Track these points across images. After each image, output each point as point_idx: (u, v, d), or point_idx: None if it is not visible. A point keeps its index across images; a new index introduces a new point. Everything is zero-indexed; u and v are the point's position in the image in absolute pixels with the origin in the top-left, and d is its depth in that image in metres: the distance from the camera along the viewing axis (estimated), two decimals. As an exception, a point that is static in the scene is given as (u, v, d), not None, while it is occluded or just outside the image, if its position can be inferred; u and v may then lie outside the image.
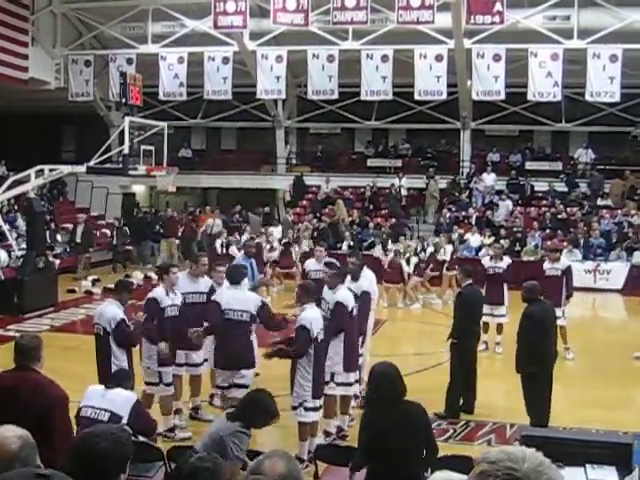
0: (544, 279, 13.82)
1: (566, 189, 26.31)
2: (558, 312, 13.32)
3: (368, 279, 10.90)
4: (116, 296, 8.80)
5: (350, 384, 9.35)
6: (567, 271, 14.14)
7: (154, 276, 22.58)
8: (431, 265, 19.90)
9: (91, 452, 3.09)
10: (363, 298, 10.15)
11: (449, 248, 20.71)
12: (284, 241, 21.92)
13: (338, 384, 9.17)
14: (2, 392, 5.44)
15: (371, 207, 27.27)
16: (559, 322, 13.28)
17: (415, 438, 5.85)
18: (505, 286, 14.25)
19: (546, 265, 14.39)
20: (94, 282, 21.42)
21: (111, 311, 8.63)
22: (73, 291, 20.48)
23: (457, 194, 26.59)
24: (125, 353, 8.52)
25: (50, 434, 4.87)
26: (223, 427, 6.29)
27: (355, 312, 9.34)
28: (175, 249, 25.21)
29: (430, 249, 20.66)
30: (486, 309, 13.45)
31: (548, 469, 2.13)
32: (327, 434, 9.18)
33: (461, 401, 10.35)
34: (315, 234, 24.47)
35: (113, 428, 3.31)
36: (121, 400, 6.68)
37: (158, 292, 9.42)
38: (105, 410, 6.59)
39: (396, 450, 5.72)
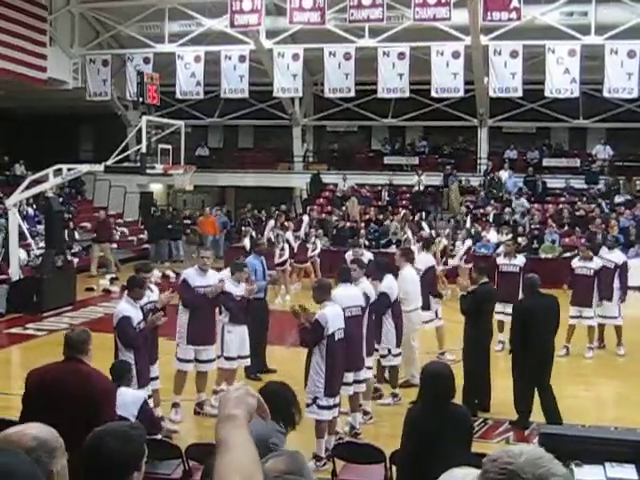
0: (573, 276, 13.79)
1: (584, 186, 26.21)
2: (589, 312, 13.37)
3: (389, 278, 10.93)
4: (129, 293, 8.85)
5: (349, 384, 9.25)
6: (600, 272, 13.76)
7: (172, 274, 22.72)
8: (444, 259, 19.82)
9: (101, 450, 3.09)
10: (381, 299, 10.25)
11: (467, 242, 20.57)
12: (298, 235, 21.82)
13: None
14: (50, 383, 5.55)
15: (388, 206, 27.19)
16: (589, 322, 13.45)
17: (460, 442, 5.75)
18: (520, 284, 14.11)
19: (575, 262, 14.05)
20: (112, 280, 21.50)
21: (119, 307, 8.76)
22: (91, 289, 20.57)
23: (495, 191, 26.40)
24: (131, 350, 8.48)
25: (98, 425, 4.85)
26: (261, 429, 6.07)
27: (356, 312, 9.22)
28: (110, 254, 23.89)
29: (444, 242, 20.51)
30: (499, 307, 13.31)
31: (548, 462, 2.12)
32: (335, 433, 9.19)
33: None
34: (335, 232, 24.50)
35: (125, 426, 3.31)
36: (128, 401, 6.68)
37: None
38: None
39: (440, 452, 5.63)
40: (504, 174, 26.76)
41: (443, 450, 5.55)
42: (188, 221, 28.10)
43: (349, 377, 9.22)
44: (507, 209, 24.87)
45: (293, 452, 2.87)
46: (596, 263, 13.80)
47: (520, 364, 9.48)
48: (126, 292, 9.00)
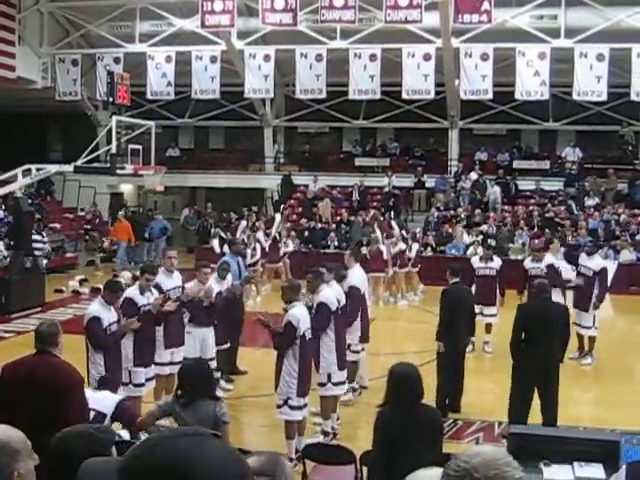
0: (529, 277, 13.92)
1: (554, 188, 26.38)
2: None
3: (359, 276, 10.98)
4: (103, 294, 8.80)
5: (343, 382, 9.49)
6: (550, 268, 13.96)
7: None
8: (399, 262, 19.87)
9: (65, 452, 3.06)
10: (352, 293, 10.36)
11: (415, 246, 20.67)
12: (271, 234, 21.70)
13: (335, 384, 9.26)
14: (21, 373, 5.68)
15: (358, 205, 27.14)
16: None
17: (431, 443, 5.73)
18: (497, 286, 14.17)
19: (528, 263, 14.25)
20: (81, 282, 21.33)
21: (90, 308, 8.73)
22: (60, 291, 20.38)
23: (478, 194, 26.46)
24: (100, 352, 8.43)
25: (66, 413, 5.16)
26: (204, 411, 6.27)
27: (341, 310, 9.41)
28: None
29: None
30: (476, 309, 13.43)
31: (503, 465, 2.14)
32: (326, 434, 9.21)
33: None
34: (306, 234, 24.48)
35: (91, 428, 3.27)
36: (107, 401, 6.77)
37: (132, 291, 9.42)
38: (90, 409, 6.61)
39: (412, 454, 5.62)
40: (474, 175, 26.89)
41: (415, 452, 5.54)
42: (88, 226, 26.58)
43: (343, 375, 9.41)
44: (477, 210, 25.01)
45: (273, 453, 2.86)
46: (546, 261, 13.93)
47: (520, 368, 9.20)
48: (101, 294, 8.93)
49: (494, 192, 25.88)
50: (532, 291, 9.70)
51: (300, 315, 8.39)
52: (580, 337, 13.57)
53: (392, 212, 24.78)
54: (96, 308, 8.59)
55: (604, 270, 13.84)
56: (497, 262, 14.41)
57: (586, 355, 13.48)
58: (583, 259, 13.96)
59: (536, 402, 9.12)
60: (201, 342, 10.34)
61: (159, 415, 6.53)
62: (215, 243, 20.76)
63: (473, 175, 26.92)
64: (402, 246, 19.47)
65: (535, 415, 9.06)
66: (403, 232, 20.57)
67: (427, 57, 24.38)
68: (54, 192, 29.67)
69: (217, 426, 6.18)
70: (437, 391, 10.02)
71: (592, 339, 13.48)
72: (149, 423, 6.48)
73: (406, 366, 6.10)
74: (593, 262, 13.78)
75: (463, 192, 26.66)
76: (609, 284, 14.47)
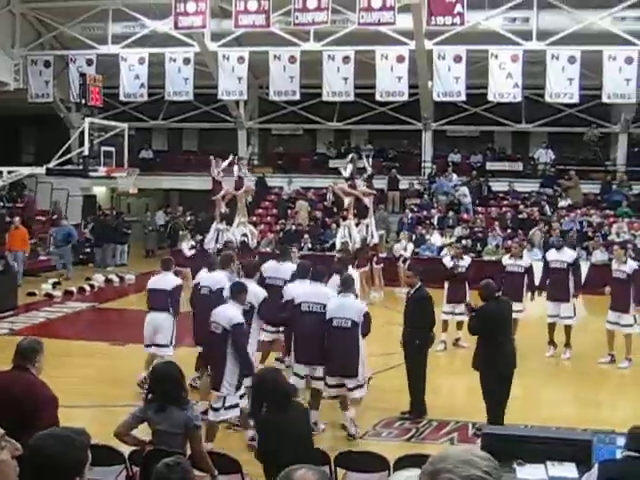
0: (505, 275, 14.07)
1: (527, 189, 26.54)
2: (518, 306, 13.46)
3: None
4: (231, 297, 8.87)
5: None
6: (529, 269, 14.28)
7: (115, 278, 22.47)
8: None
9: (42, 454, 3.05)
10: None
11: (410, 246, 20.78)
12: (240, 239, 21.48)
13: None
14: None
15: (334, 209, 27.14)
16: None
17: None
18: (467, 284, 14.33)
19: (506, 261, 14.57)
20: (54, 285, 21.17)
21: (232, 313, 8.59)
22: (33, 294, 20.21)
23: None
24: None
25: (36, 431, 5.05)
26: (177, 416, 6.28)
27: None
28: None
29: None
30: (447, 308, 13.68)
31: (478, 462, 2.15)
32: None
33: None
34: (281, 235, 24.44)
35: (70, 431, 3.26)
36: (358, 308, 9.31)
37: None
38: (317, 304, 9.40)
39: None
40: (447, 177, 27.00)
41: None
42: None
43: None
44: (451, 213, 25.07)
45: (323, 471, 2.93)
46: (525, 261, 14.42)
47: (492, 370, 9.15)
48: (232, 297, 8.89)
49: (463, 192, 25.93)
50: (483, 292, 9.63)
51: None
52: (552, 330, 13.75)
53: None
54: (238, 313, 8.62)
55: (577, 260, 14.27)
56: (467, 260, 14.74)
57: (565, 347, 13.72)
58: (553, 254, 14.17)
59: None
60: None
61: (134, 424, 6.49)
62: (184, 246, 20.69)
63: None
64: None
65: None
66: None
67: (400, 59, 24.47)
68: (26, 195, 29.41)
69: (189, 429, 6.16)
70: (411, 392, 10.06)
71: (569, 328, 13.71)
72: (124, 434, 6.44)
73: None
74: (565, 255, 14.04)
75: (437, 194, 26.75)
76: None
